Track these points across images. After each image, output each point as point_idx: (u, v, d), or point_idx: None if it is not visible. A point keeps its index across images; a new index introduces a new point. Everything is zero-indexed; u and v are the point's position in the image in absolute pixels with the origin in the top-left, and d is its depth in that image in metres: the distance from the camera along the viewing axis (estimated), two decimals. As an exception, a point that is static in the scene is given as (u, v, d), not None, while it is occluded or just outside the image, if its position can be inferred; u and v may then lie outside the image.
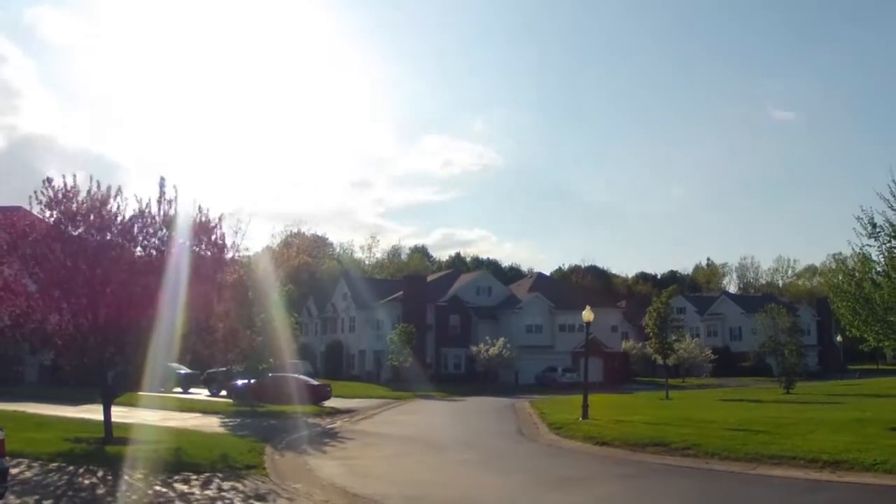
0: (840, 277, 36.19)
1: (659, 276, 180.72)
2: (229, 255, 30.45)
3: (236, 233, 30.35)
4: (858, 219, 33.33)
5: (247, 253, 42.23)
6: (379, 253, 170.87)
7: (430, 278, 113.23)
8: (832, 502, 20.61)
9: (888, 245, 32.91)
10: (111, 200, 27.71)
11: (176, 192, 28.72)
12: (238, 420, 42.27)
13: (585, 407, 41.92)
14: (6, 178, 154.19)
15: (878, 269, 33.46)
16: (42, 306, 27.06)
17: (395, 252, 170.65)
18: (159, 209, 28.35)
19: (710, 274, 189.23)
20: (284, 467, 25.49)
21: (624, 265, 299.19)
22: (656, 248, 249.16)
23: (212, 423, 40.08)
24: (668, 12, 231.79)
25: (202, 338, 30.32)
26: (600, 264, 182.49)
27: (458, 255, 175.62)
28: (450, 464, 28.11)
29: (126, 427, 30.64)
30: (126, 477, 21.42)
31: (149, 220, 28.25)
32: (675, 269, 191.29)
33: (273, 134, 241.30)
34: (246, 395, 51.92)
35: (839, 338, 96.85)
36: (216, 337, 31.29)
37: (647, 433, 32.78)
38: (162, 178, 28.72)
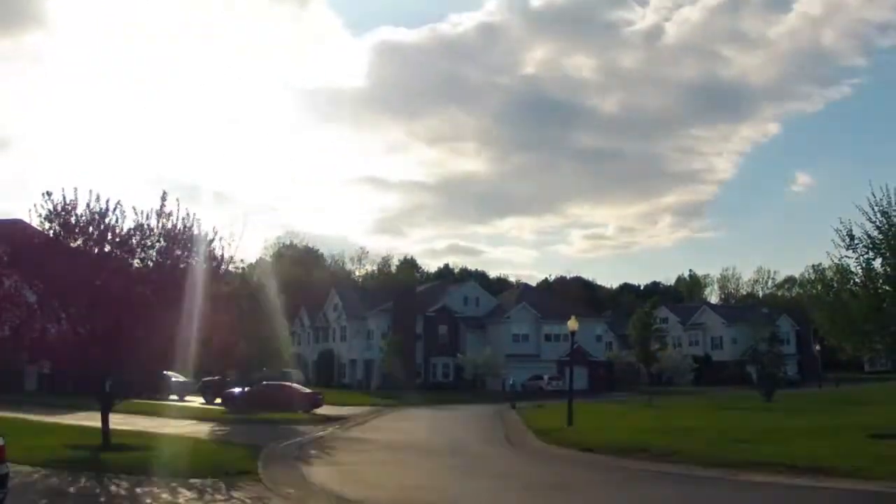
0: (819, 288, 36.32)
1: (642, 287, 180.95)
2: (225, 267, 30.49)
3: (231, 245, 30.36)
4: (837, 231, 33.53)
5: (241, 264, 42.28)
6: (369, 264, 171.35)
7: (419, 289, 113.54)
8: (811, 507, 20.73)
9: (866, 256, 33.09)
10: (110, 213, 27.73)
11: (178, 205, 28.84)
12: (232, 427, 42.21)
13: (570, 414, 41.97)
14: None
15: (857, 280, 33.62)
16: (41, 316, 27.09)
17: (384, 263, 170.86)
18: (158, 222, 28.39)
19: (692, 285, 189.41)
20: (277, 473, 25.44)
21: (608, 276, 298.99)
22: (640, 260, 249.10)
23: (206, 430, 40.05)
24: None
25: (199, 348, 30.31)
26: (585, 275, 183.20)
27: (446, 266, 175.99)
28: (438, 469, 28.21)
29: (123, 434, 30.63)
30: (119, 484, 21.45)
31: (147, 232, 28.30)
32: (658, 280, 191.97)
33: (271, 144, 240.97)
34: (240, 402, 51.90)
35: (818, 347, 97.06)
36: (213, 347, 31.32)
37: (630, 440, 32.83)
38: (164, 192, 28.81)
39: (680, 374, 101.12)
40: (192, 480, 22.56)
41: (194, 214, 29.18)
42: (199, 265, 29.34)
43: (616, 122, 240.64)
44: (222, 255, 30.10)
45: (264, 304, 55.21)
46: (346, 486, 23.22)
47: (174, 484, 21.87)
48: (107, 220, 27.70)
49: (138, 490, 20.81)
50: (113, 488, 20.92)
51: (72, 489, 20.56)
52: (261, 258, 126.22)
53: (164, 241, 28.66)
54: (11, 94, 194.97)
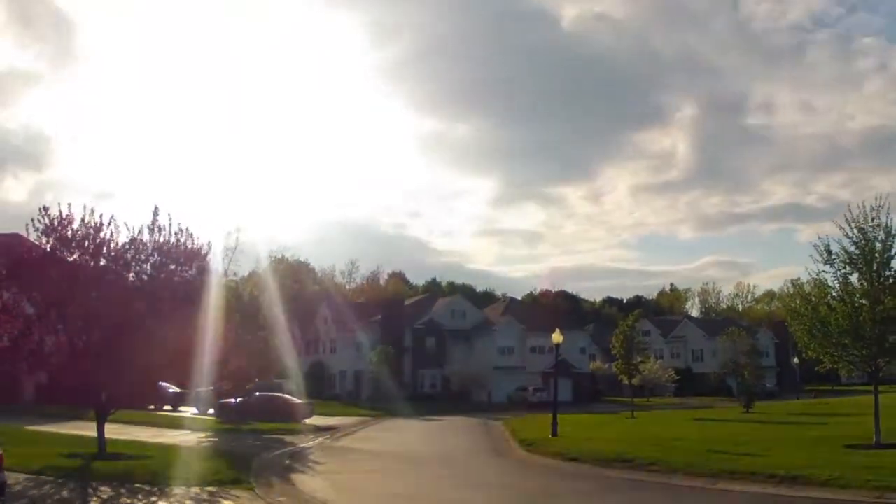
0: (797, 302, 36.43)
1: (625, 301, 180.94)
2: (219, 281, 30.58)
3: (225, 259, 30.51)
4: (815, 246, 33.75)
5: (235, 277, 42.31)
6: (359, 278, 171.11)
7: (407, 302, 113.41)
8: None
9: (843, 271, 33.30)
10: (104, 228, 27.82)
11: (169, 220, 28.94)
12: (225, 437, 42.12)
13: (555, 425, 41.99)
14: None
15: (834, 294, 33.79)
16: (39, 328, 27.12)
17: (374, 277, 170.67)
18: (151, 236, 28.49)
19: (673, 299, 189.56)
20: (269, 482, 25.49)
21: (592, 290, 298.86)
22: (623, 273, 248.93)
23: (199, 440, 40.00)
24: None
25: (193, 359, 30.32)
26: (569, 289, 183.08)
27: (434, 279, 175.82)
28: (426, 479, 28.22)
29: (118, 443, 30.64)
30: (113, 492, 21.46)
31: (140, 246, 28.40)
32: (640, 293, 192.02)
33: (268, 162, 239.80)
34: (233, 412, 51.81)
35: (796, 359, 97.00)
36: (207, 358, 31.36)
37: (613, 450, 32.85)
38: (156, 207, 28.92)
39: (662, 385, 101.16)
40: (185, 489, 22.60)
41: (187, 229, 29.32)
42: (193, 279, 29.45)
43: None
44: (216, 269, 30.24)
45: (257, 316, 55.16)
46: (335, 494, 23.30)
47: (167, 492, 21.92)
48: (101, 235, 27.80)
49: (132, 499, 20.82)
50: (106, 496, 20.94)
51: (66, 496, 20.57)
52: (253, 271, 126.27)
53: (158, 255, 28.79)
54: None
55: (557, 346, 47.47)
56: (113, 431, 31.32)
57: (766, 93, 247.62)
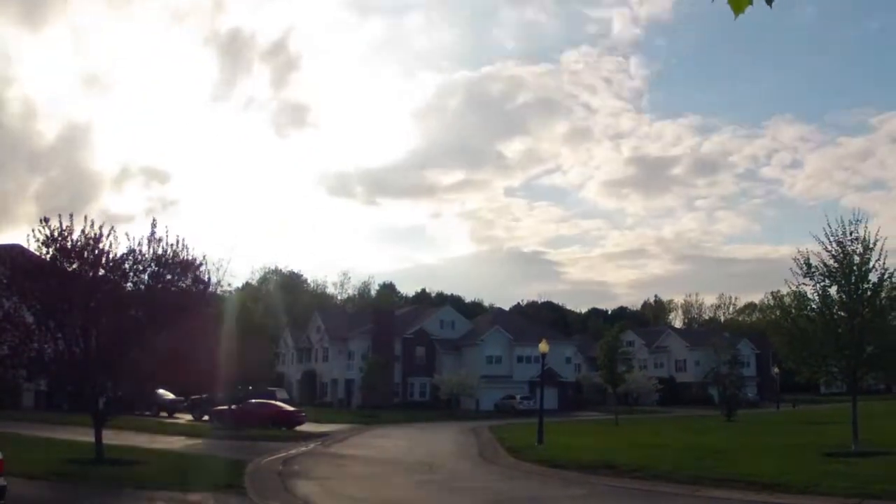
0: (778, 314, 36.58)
1: (610, 312, 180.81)
2: (214, 291, 30.67)
3: (219, 269, 30.65)
4: (795, 260, 33.85)
5: (229, 288, 42.32)
6: (350, 288, 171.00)
7: (397, 312, 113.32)
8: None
9: (822, 284, 33.39)
10: (104, 239, 27.87)
11: (166, 231, 29.04)
12: (219, 443, 42.07)
13: (541, 432, 42.01)
14: None
15: (813, 306, 33.89)
16: (39, 336, 27.17)
17: (365, 287, 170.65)
18: (149, 247, 28.56)
19: (657, 310, 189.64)
20: (263, 486, 25.42)
21: (577, 301, 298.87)
22: (610, 285, 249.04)
23: (195, 446, 40.02)
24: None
25: (187, 366, 30.34)
26: (556, 300, 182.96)
27: (423, 290, 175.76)
28: (415, 484, 28.18)
29: (115, 449, 30.54)
30: (111, 497, 21.45)
31: (139, 257, 28.45)
32: (625, 304, 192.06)
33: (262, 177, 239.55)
34: (227, 419, 51.76)
35: (776, 370, 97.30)
36: (200, 366, 31.41)
37: (597, 457, 32.86)
38: (154, 220, 29.01)
39: (645, 394, 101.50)
40: (180, 493, 22.57)
41: (184, 240, 29.41)
42: (189, 288, 29.52)
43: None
44: (209, 279, 30.35)
45: (251, 325, 55.15)
46: (327, 499, 23.35)
47: (163, 496, 21.90)
48: (101, 246, 27.83)
49: (128, 503, 20.83)
50: (103, 500, 20.93)
51: (65, 500, 20.57)
52: (248, 282, 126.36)
53: (156, 265, 28.84)
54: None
55: (544, 355, 47.51)
56: (110, 437, 31.24)
57: None
